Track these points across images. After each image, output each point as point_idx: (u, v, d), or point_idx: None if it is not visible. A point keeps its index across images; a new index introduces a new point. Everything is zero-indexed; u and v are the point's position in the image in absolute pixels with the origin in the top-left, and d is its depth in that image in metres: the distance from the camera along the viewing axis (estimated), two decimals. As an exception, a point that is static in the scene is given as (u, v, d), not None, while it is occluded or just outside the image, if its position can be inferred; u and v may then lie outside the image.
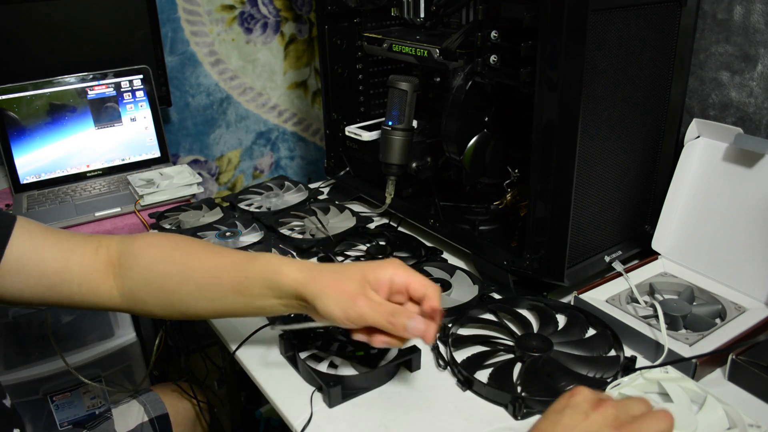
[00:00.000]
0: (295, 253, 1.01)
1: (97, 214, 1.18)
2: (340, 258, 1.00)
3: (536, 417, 0.67)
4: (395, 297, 0.64)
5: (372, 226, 1.12)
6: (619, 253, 0.92)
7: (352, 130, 1.20)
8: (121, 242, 0.70)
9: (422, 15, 1.04)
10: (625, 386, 0.67)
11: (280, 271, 0.65)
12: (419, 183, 1.11)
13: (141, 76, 1.38)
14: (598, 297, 0.85)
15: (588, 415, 0.51)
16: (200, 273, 0.67)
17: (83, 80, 1.33)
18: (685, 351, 0.73)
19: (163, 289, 0.68)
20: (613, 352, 0.76)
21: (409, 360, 0.75)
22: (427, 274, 0.94)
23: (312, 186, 1.29)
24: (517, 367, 0.74)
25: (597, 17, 0.74)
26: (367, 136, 1.17)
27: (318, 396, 0.71)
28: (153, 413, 0.96)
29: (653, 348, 0.75)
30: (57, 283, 0.66)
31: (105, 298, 0.69)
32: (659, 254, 0.93)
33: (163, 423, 0.96)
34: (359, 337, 0.63)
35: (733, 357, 0.71)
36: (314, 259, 1.02)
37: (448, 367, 0.75)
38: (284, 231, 1.10)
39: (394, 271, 0.63)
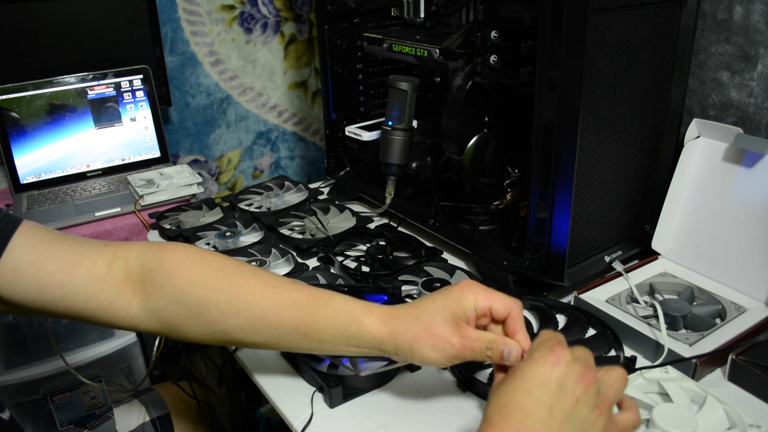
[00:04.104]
0: (295, 253, 1.01)
1: (97, 214, 1.18)
2: (340, 258, 1.00)
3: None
4: (480, 321, 0.59)
5: (372, 226, 1.12)
6: (619, 253, 0.92)
7: (352, 130, 1.20)
8: (145, 255, 0.62)
9: (422, 15, 1.04)
10: (625, 386, 0.67)
11: (359, 321, 0.59)
12: (419, 183, 1.11)
13: (141, 76, 1.38)
14: (598, 297, 0.85)
15: (577, 398, 0.46)
16: (254, 309, 0.60)
17: (83, 80, 1.33)
18: (685, 351, 0.73)
19: (204, 318, 0.61)
20: (613, 352, 0.76)
21: (409, 360, 0.75)
22: (427, 274, 0.94)
23: (312, 186, 1.29)
24: (517, 367, 0.74)
25: (597, 17, 0.74)
26: (367, 136, 1.17)
27: (318, 396, 0.71)
28: (155, 413, 0.96)
29: (653, 348, 0.75)
30: (59, 297, 0.60)
31: (120, 316, 0.62)
32: (659, 254, 0.93)
33: (165, 423, 0.96)
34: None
35: (733, 357, 0.71)
36: (314, 260, 1.02)
37: (448, 367, 0.75)
38: (284, 231, 1.10)
39: (476, 297, 0.58)
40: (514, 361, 0.55)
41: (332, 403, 0.69)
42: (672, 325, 0.79)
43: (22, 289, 0.59)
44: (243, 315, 0.61)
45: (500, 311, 0.58)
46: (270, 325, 0.61)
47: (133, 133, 1.40)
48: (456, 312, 0.58)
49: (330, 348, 0.61)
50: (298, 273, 0.95)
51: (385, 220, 1.16)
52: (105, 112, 1.36)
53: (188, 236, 1.07)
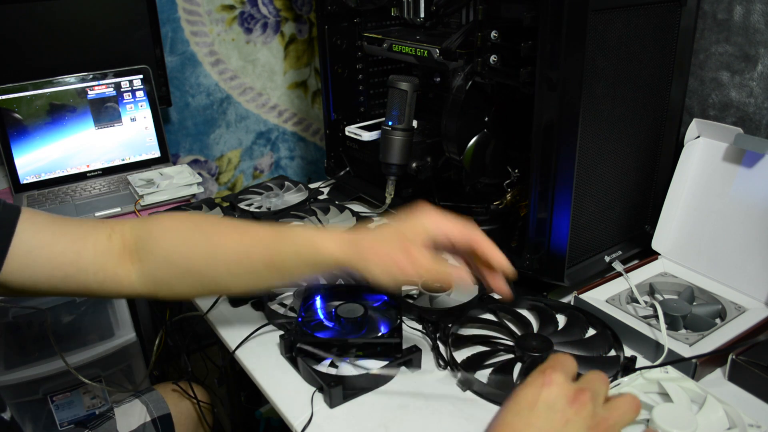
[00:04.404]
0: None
1: (97, 214, 1.18)
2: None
3: (536, 417, 0.67)
4: (440, 247, 0.61)
5: (372, 226, 1.12)
6: (619, 253, 0.92)
7: (352, 130, 1.20)
8: (136, 227, 0.68)
9: (422, 15, 1.04)
10: (625, 386, 0.67)
11: (316, 246, 0.64)
12: (419, 183, 1.11)
13: (141, 76, 1.38)
14: (598, 297, 0.85)
15: (567, 419, 0.46)
16: (229, 254, 0.67)
17: (83, 80, 1.33)
18: (685, 351, 0.73)
19: (190, 271, 0.67)
20: (613, 352, 0.76)
21: (409, 360, 0.75)
22: (427, 274, 0.94)
23: (312, 186, 1.29)
24: (517, 367, 0.74)
25: (597, 17, 0.74)
26: (367, 136, 1.17)
27: (318, 396, 0.71)
28: (156, 413, 0.96)
29: (653, 348, 0.75)
30: (71, 274, 0.64)
31: (124, 285, 0.67)
32: (659, 254, 0.93)
33: (166, 423, 0.96)
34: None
35: (733, 357, 0.71)
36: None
37: (448, 367, 0.75)
38: (284, 231, 1.10)
39: (427, 221, 0.60)
40: (463, 282, 0.59)
41: (332, 403, 0.69)
42: (672, 325, 0.79)
43: (35, 272, 0.63)
44: (221, 262, 0.67)
45: (458, 237, 0.61)
46: (245, 267, 0.67)
47: (133, 133, 1.40)
48: (406, 234, 0.61)
49: (297, 274, 0.68)
50: (298, 273, 0.95)
51: (385, 220, 1.16)
52: (105, 112, 1.36)
53: (188, 236, 1.07)
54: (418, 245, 0.60)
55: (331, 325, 0.78)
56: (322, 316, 0.80)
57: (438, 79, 1.05)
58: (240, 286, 0.70)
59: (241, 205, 1.20)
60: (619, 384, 0.67)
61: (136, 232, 0.68)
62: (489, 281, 0.66)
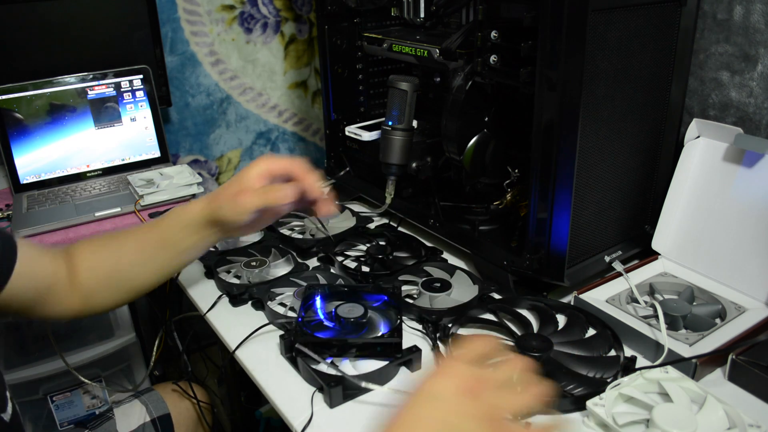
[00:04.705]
0: (295, 253, 1.01)
1: (97, 214, 1.18)
2: (340, 258, 1.00)
3: (536, 417, 0.67)
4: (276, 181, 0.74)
5: (372, 226, 1.12)
6: (619, 253, 0.92)
7: (352, 130, 1.20)
8: (64, 251, 0.77)
9: (422, 15, 1.04)
10: (625, 386, 0.67)
11: (185, 209, 0.76)
12: (419, 183, 1.11)
13: (141, 76, 1.38)
14: (598, 297, 0.85)
15: (459, 407, 0.47)
16: (129, 253, 0.76)
17: (83, 80, 1.33)
18: (685, 351, 0.73)
19: (108, 281, 0.76)
20: (613, 352, 0.76)
21: (409, 360, 0.75)
22: (427, 274, 0.94)
23: (312, 186, 1.29)
24: (517, 367, 0.74)
25: (597, 17, 0.74)
26: (367, 136, 1.17)
27: (318, 396, 0.71)
28: (155, 413, 0.96)
29: (653, 348, 0.75)
30: (44, 294, 0.73)
31: (71, 304, 0.76)
32: (659, 254, 0.93)
33: (165, 423, 0.96)
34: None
35: (733, 357, 0.71)
36: (314, 260, 1.02)
37: (448, 367, 0.75)
38: (284, 231, 1.10)
39: (258, 163, 0.73)
40: (288, 199, 0.70)
41: (332, 403, 0.69)
42: (672, 325, 0.79)
43: (27, 292, 0.71)
44: (126, 262, 0.77)
45: (281, 170, 0.73)
46: (145, 254, 0.76)
47: (133, 133, 1.40)
48: (243, 176, 0.72)
49: (183, 245, 0.76)
50: (298, 273, 0.95)
51: (385, 220, 1.16)
52: (105, 112, 1.36)
53: (188, 236, 1.07)
54: (256, 184, 0.72)
55: (331, 325, 0.78)
56: (322, 316, 0.80)
57: (438, 79, 1.05)
58: (147, 276, 0.77)
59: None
60: (619, 384, 0.67)
61: (67, 259, 0.76)
62: (315, 207, 0.77)
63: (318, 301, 0.82)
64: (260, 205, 0.71)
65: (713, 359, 0.72)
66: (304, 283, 0.91)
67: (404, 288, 0.91)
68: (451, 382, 0.49)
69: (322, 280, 0.93)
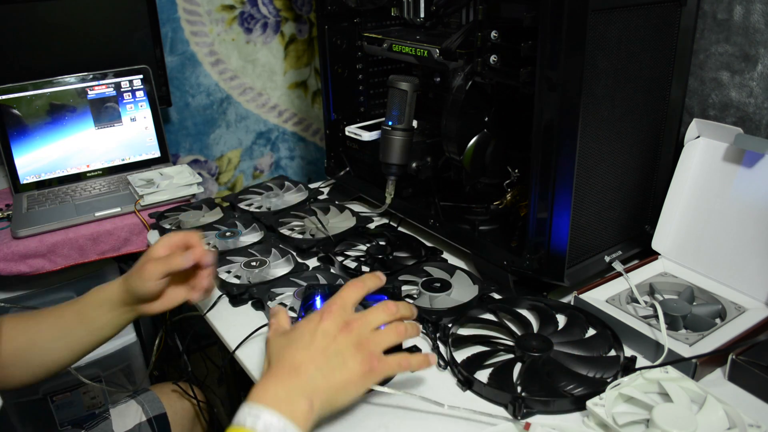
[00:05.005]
0: (295, 253, 1.01)
1: (97, 214, 1.18)
2: (340, 258, 1.00)
3: (536, 417, 0.67)
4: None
5: (372, 226, 1.12)
6: (619, 253, 0.92)
7: (352, 130, 1.20)
8: None
9: (422, 15, 1.04)
10: (625, 386, 0.67)
11: (103, 288, 0.80)
12: (419, 183, 1.11)
13: (141, 76, 1.39)
14: (598, 297, 0.85)
15: (336, 338, 0.61)
16: (46, 328, 0.78)
17: (83, 80, 1.33)
18: (685, 351, 0.73)
19: (20, 363, 0.78)
20: (613, 352, 0.76)
21: (409, 360, 0.75)
22: (427, 274, 0.94)
23: (312, 186, 1.29)
24: (517, 367, 0.74)
25: (597, 17, 0.74)
26: (367, 136, 1.17)
27: (318, 396, 0.71)
28: (151, 413, 0.96)
29: (653, 348, 0.75)
30: None
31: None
32: (659, 254, 0.93)
33: (162, 422, 0.96)
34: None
35: (733, 357, 0.71)
36: (314, 260, 1.02)
37: (448, 367, 0.75)
38: (284, 231, 1.10)
39: (161, 239, 0.80)
40: (190, 262, 0.77)
41: (332, 403, 0.69)
42: (672, 325, 0.79)
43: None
44: (42, 337, 0.78)
45: (180, 242, 0.80)
46: (61, 334, 0.79)
47: (133, 133, 1.40)
48: (149, 252, 0.79)
49: (100, 322, 0.79)
50: (298, 273, 0.95)
51: (385, 220, 1.16)
52: (105, 112, 1.36)
53: (188, 236, 1.07)
54: (161, 254, 0.78)
55: None
56: None
57: (438, 79, 1.05)
58: (62, 353, 0.79)
59: (241, 205, 1.20)
60: (619, 384, 0.67)
61: None
62: (198, 279, 0.82)
63: (318, 300, 0.82)
64: (164, 271, 0.76)
65: (713, 359, 0.72)
66: (304, 283, 0.91)
67: (404, 288, 0.91)
68: (331, 321, 0.62)
69: (322, 280, 0.93)
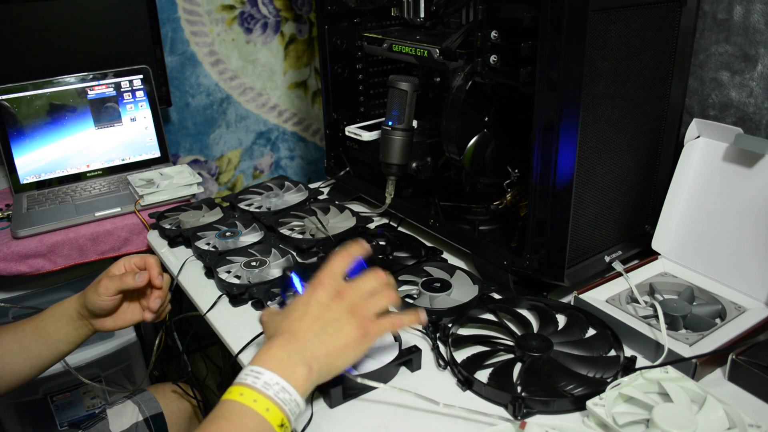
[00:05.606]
0: (295, 253, 1.01)
1: (97, 214, 1.18)
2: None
3: (536, 417, 0.67)
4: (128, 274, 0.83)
5: (372, 226, 1.12)
6: (619, 253, 0.92)
7: (352, 130, 1.20)
8: None
9: (422, 15, 1.04)
10: (625, 386, 0.67)
11: (62, 303, 0.83)
12: (419, 183, 1.11)
13: (141, 76, 1.39)
14: (598, 297, 0.85)
15: (329, 306, 0.63)
16: (5, 342, 0.81)
17: (83, 80, 1.33)
18: (685, 351, 0.73)
19: None
20: (613, 352, 0.76)
21: (409, 360, 0.75)
22: (427, 274, 0.94)
23: (312, 186, 1.29)
24: (517, 367, 0.74)
25: (597, 17, 0.74)
26: (367, 136, 1.17)
27: (318, 396, 0.71)
28: (147, 413, 0.97)
29: (653, 348, 0.75)
30: None
31: None
32: (659, 254, 0.93)
33: (158, 422, 0.97)
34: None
35: (733, 357, 0.71)
36: (314, 259, 1.02)
37: (448, 367, 0.75)
38: (284, 231, 1.10)
39: (120, 260, 0.84)
40: (141, 283, 0.81)
41: (332, 403, 0.69)
42: (672, 325, 0.79)
43: None
44: (1, 351, 0.81)
45: (138, 263, 0.84)
46: (20, 348, 0.81)
47: (133, 133, 1.40)
48: (107, 271, 0.83)
49: (58, 336, 0.82)
50: (298, 273, 0.95)
51: (385, 220, 1.16)
52: (105, 112, 1.36)
53: (188, 236, 1.07)
54: (116, 273, 0.83)
55: None
56: (301, 290, 0.76)
57: (438, 79, 1.05)
58: (21, 366, 0.81)
59: (241, 205, 1.20)
60: (619, 384, 0.67)
61: None
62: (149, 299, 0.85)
63: (295, 279, 0.80)
64: (116, 287, 0.80)
65: (713, 359, 0.72)
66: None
67: (404, 288, 0.91)
68: (323, 291, 0.64)
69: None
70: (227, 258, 1.00)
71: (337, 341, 0.62)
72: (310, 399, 0.71)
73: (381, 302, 0.66)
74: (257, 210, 1.19)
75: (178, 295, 0.99)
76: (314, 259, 0.94)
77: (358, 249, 0.69)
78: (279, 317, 0.65)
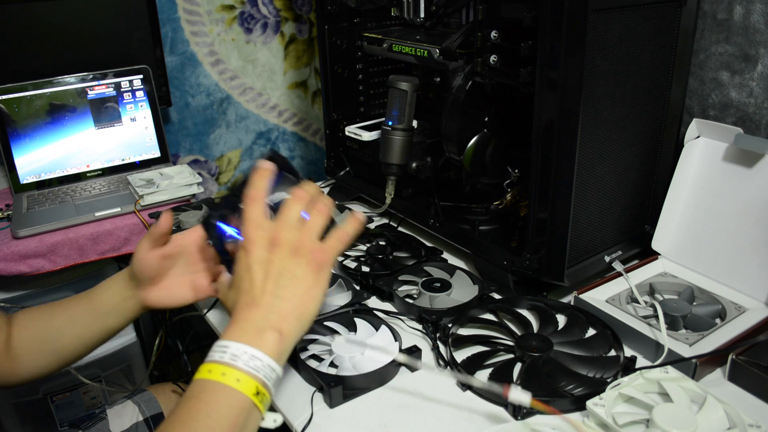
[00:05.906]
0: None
1: (97, 214, 1.18)
2: (340, 258, 1.00)
3: (536, 417, 0.67)
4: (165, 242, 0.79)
5: (372, 226, 1.12)
6: (619, 253, 0.92)
7: (352, 130, 1.20)
8: (8, 319, 0.79)
9: (422, 15, 1.04)
10: (625, 386, 0.67)
11: (113, 276, 0.80)
12: (419, 183, 1.11)
13: (141, 76, 1.38)
14: (598, 297, 0.85)
15: (271, 260, 0.59)
16: (58, 315, 0.79)
17: (83, 80, 1.33)
18: (685, 351, 0.73)
19: (39, 349, 0.78)
20: (613, 352, 0.76)
21: (409, 360, 0.75)
22: (427, 274, 0.94)
23: (312, 186, 1.29)
24: (517, 367, 0.74)
25: (597, 17, 0.74)
26: (367, 136, 1.17)
27: (318, 396, 0.71)
28: (148, 413, 0.96)
29: (653, 348, 0.75)
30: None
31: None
32: (659, 254, 0.93)
33: (159, 422, 0.96)
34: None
35: (733, 357, 0.71)
36: (223, 190, 1.00)
37: (448, 367, 0.75)
38: (284, 231, 1.10)
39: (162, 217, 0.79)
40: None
41: (332, 403, 0.69)
42: (672, 325, 0.79)
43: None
44: (54, 325, 0.78)
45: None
46: (71, 321, 0.78)
47: (133, 133, 1.40)
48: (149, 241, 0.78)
49: (108, 308, 0.78)
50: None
51: (385, 220, 1.16)
52: (105, 112, 1.36)
53: (188, 236, 1.07)
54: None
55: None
56: (236, 234, 0.70)
57: (438, 79, 1.05)
58: (72, 340, 0.79)
59: (241, 205, 1.19)
60: (619, 384, 0.67)
61: (6, 320, 0.79)
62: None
63: (220, 225, 0.70)
64: (149, 242, 0.76)
65: (713, 359, 0.72)
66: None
67: (404, 288, 0.91)
68: (257, 248, 0.60)
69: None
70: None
71: (297, 289, 0.59)
72: (310, 399, 0.71)
73: (316, 224, 0.62)
74: (257, 210, 1.18)
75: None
76: (224, 191, 0.88)
77: (262, 179, 0.64)
78: (231, 293, 0.62)
